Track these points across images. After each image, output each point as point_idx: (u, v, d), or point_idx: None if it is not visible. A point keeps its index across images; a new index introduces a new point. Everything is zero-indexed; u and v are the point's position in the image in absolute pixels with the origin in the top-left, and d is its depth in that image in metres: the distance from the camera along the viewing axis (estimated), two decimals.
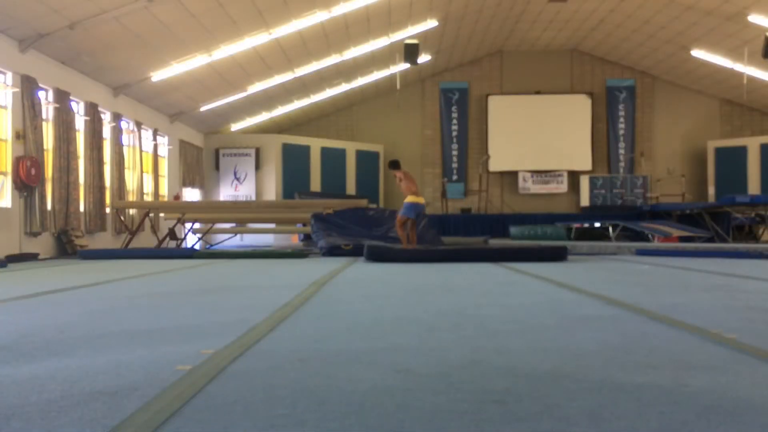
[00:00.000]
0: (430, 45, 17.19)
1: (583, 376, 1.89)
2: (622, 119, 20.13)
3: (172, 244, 13.57)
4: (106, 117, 12.91)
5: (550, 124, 19.94)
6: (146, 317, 3.29)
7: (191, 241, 15.03)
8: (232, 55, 13.42)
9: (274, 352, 2.30)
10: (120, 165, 13.28)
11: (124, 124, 13.52)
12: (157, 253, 10.55)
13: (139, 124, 14.24)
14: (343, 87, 18.46)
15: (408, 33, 15.53)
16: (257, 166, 18.37)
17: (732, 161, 18.89)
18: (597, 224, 14.44)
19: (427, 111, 20.57)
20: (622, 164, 20.01)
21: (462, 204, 19.53)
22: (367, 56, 16.45)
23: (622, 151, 20.09)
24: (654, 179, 19.00)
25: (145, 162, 14.54)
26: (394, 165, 10.01)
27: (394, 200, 18.16)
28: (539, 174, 20.02)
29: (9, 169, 9.81)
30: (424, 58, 17.26)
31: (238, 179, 18.38)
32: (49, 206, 10.61)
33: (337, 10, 13.01)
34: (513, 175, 20.11)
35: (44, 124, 10.61)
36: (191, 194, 17.59)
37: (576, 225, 14.33)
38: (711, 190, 19.10)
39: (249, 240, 17.14)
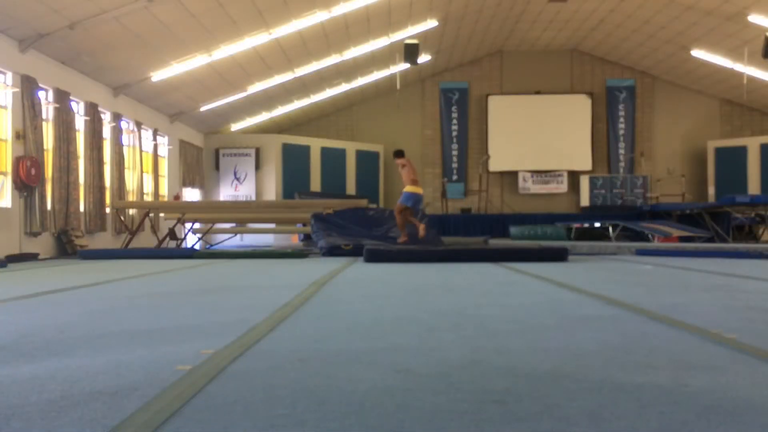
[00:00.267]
0: (430, 45, 17.19)
1: (583, 376, 1.89)
2: (622, 119, 20.13)
3: (172, 244, 13.56)
4: (106, 117, 12.92)
5: (550, 124, 19.94)
6: (146, 317, 3.29)
7: (191, 241, 15.03)
8: (232, 55, 13.43)
9: (274, 352, 2.30)
10: (120, 165, 13.29)
11: (124, 124, 13.53)
12: (157, 253, 10.54)
13: (139, 124, 14.24)
14: (343, 87, 18.47)
15: (408, 33, 15.53)
16: (257, 166, 18.38)
17: (732, 161, 18.90)
18: (597, 224, 14.43)
19: (427, 111, 20.57)
20: (622, 164, 20.02)
21: (462, 204, 19.54)
22: (367, 56, 16.46)
23: (622, 151, 20.09)
24: (654, 179, 19.00)
25: (145, 162, 14.54)
26: (399, 154, 10.48)
27: (395, 200, 18.00)
28: (539, 174, 20.02)
29: (9, 169, 9.82)
30: (424, 58, 17.27)
31: (238, 179, 18.38)
32: (49, 206, 10.61)
33: (337, 10, 13.02)
34: (513, 175, 20.11)
35: (44, 124, 10.62)
36: (191, 194, 17.59)
37: (576, 225, 14.32)
38: (711, 190, 19.11)
39: (249, 240, 17.14)
